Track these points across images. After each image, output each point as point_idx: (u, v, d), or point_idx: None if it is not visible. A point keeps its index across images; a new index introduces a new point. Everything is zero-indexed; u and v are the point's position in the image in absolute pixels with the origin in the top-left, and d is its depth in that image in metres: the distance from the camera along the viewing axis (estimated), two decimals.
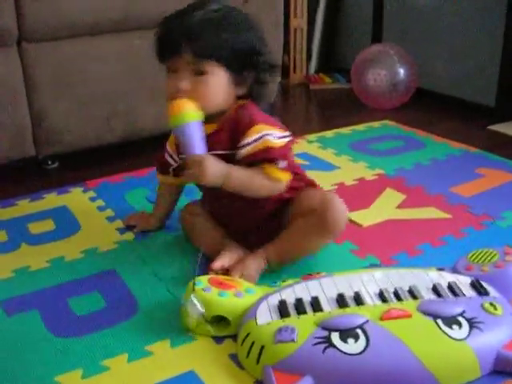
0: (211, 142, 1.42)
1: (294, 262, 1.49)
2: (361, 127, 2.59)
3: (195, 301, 1.25)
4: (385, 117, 2.73)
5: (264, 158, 1.41)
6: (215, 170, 1.38)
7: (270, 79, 1.49)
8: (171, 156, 1.62)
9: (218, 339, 1.27)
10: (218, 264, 1.45)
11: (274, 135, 1.41)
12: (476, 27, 2.75)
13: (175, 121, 1.39)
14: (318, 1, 3.44)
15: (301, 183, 1.56)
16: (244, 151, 1.41)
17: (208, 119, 1.42)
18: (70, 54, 2.08)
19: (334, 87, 3.24)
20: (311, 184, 1.59)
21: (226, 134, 1.45)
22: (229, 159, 1.42)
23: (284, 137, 1.44)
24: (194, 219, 1.62)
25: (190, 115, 1.38)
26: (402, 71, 2.80)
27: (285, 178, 1.45)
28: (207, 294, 1.26)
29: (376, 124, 2.65)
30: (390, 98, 2.82)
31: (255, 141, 1.41)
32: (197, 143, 1.39)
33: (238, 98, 1.47)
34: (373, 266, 1.52)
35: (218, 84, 1.41)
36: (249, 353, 1.16)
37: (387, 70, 2.79)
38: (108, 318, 1.36)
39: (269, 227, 1.53)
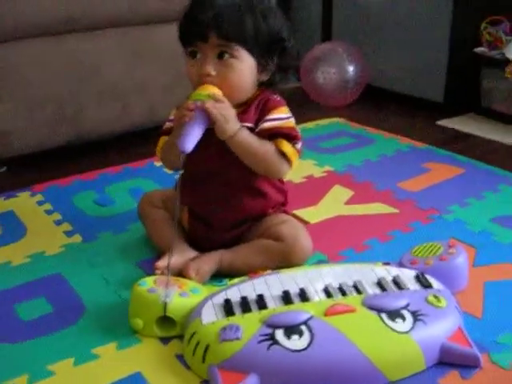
0: (241, 117, 1.41)
1: (243, 274, 1.45)
2: (311, 125, 2.60)
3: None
4: (335, 114, 2.74)
5: (286, 133, 1.42)
6: (234, 114, 1.38)
7: (293, 66, 1.50)
8: None
9: (165, 340, 1.26)
10: (161, 263, 1.44)
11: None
12: (424, 25, 2.77)
13: (201, 92, 1.36)
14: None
15: (282, 199, 1.57)
16: (269, 124, 1.42)
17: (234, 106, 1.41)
18: (12, 56, 2.05)
19: (283, 86, 3.23)
20: (285, 209, 1.59)
21: (253, 111, 1.44)
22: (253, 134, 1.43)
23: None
24: (153, 211, 1.61)
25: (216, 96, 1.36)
26: (351, 69, 2.81)
27: (294, 158, 1.44)
28: (152, 295, 1.25)
29: (326, 122, 2.66)
30: (340, 96, 2.83)
31: (281, 119, 1.43)
32: (194, 133, 1.33)
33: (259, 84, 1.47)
34: (320, 262, 1.52)
35: (245, 69, 1.40)
36: (194, 352, 1.16)
37: (336, 68, 2.79)
38: (55, 323, 1.34)
39: (235, 233, 1.53)
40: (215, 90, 1.37)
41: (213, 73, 1.37)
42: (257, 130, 1.43)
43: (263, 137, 1.43)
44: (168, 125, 1.52)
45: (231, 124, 1.38)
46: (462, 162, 2.18)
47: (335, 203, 1.86)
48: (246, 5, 1.39)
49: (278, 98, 1.48)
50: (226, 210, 1.50)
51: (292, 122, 1.46)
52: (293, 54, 1.49)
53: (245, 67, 1.40)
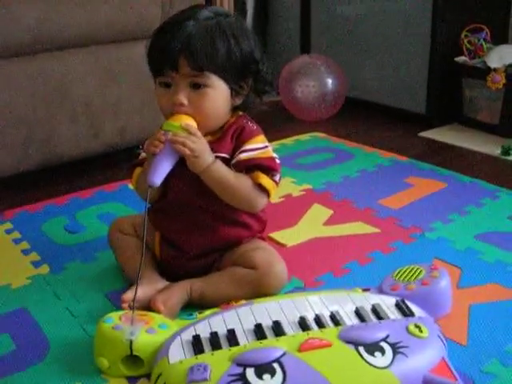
0: (215, 146, 1.37)
1: (215, 304, 1.35)
2: (289, 141, 2.54)
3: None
4: (315, 129, 2.69)
5: (264, 164, 1.38)
6: (207, 147, 1.34)
7: (268, 88, 1.44)
8: None
9: (132, 380, 1.19)
10: (128, 295, 1.36)
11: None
12: (404, 35, 2.74)
13: (172, 123, 1.32)
14: (244, 14, 3.39)
15: (260, 228, 1.52)
16: (245, 155, 1.38)
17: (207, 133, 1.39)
18: None
19: (263, 100, 3.18)
20: (261, 234, 1.53)
21: (229, 140, 1.40)
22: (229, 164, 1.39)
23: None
24: (122, 239, 1.55)
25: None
26: (330, 81, 2.76)
27: (273, 191, 1.40)
28: (117, 333, 1.17)
29: (305, 137, 2.60)
30: (319, 110, 2.78)
31: (258, 149, 1.39)
32: (163, 167, 1.30)
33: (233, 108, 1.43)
34: (296, 289, 1.46)
35: (219, 96, 1.36)
36: None
37: (315, 81, 2.75)
38: (17, 362, 1.26)
39: (207, 261, 1.46)
40: (188, 120, 1.32)
41: (185, 102, 1.33)
42: (233, 162, 1.39)
43: (240, 169, 1.38)
44: (143, 155, 1.47)
45: (203, 158, 1.33)
46: (445, 175, 2.14)
47: (314, 224, 1.80)
48: (218, 29, 1.34)
49: (254, 127, 1.43)
50: (199, 237, 1.44)
51: (270, 151, 1.41)
52: (267, 78, 1.42)
53: (218, 94, 1.35)
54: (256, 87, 1.42)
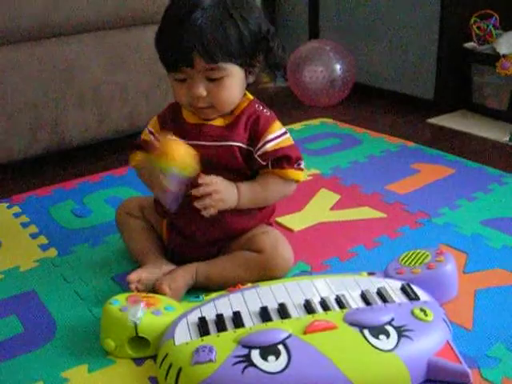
0: (228, 133, 1.38)
1: (221, 288, 1.36)
2: (298, 126, 2.54)
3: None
4: (323, 114, 2.68)
5: (290, 155, 1.39)
6: (230, 192, 1.37)
7: (281, 58, 1.42)
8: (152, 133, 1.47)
9: (138, 361, 1.20)
10: (133, 276, 1.37)
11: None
12: (412, 21, 2.72)
13: (169, 165, 1.27)
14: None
15: (269, 215, 1.54)
16: (270, 145, 1.38)
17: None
18: None
19: (271, 86, 3.19)
20: (268, 221, 1.54)
21: (243, 128, 1.39)
22: (248, 154, 1.39)
23: None
24: (130, 221, 1.55)
25: (188, 168, 1.27)
26: (338, 67, 2.75)
27: (301, 178, 1.44)
28: (123, 314, 1.18)
29: (313, 122, 2.60)
30: (327, 95, 2.77)
31: (280, 136, 1.39)
32: (176, 197, 1.31)
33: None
34: (303, 272, 1.46)
35: (234, 83, 1.35)
36: (167, 376, 1.09)
37: (323, 67, 2.74)
38: (25, 344, 1.28)
39: (215, 248, 1.47)
40: (190, 154, 1.28)
41: (204, 94, 1.32)
42: (259, 153, 1.38)
43: (266, 158, 1.38)
44: (146, 136, 1.47)
45: (230, 200, 1.37)
46: (453, 161, 2.13)
47: (321, 209, 1.80)
48: (226, 14, 1.30)
49: (268, 113, 1.42)
50: (206, 228, 1.43)
51: (290, 138, 1.42)
52: (279, 53, 1.40)
53: (235, 81, 1.35)
54: (269, 62, 1.40)
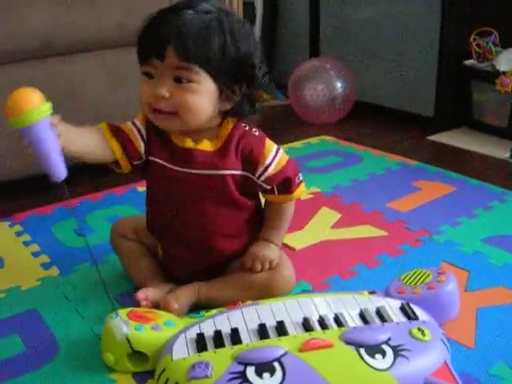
0: (218, 160, 1.32)
1: (221, 305, 1.36)
2: (298, 144, 2.54)
3: (119, 322, 1.19)
4: (323, 132, 2.69)
5: (290, 175, 1.39)
6: (273, 250, 1.43)
7: (260, 96, 1.41)
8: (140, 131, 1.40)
9: (140, 378, 1.20)
10: (141, 294, 1.38)
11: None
12: (412, 39, 2.73)
13: (21, 121, 1.11)
14: (253, 17, 3.40)
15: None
16: (271, 168, 1.35)
17: (196, 134, 1.33)
18: None
19: (273, 104, 3.21)
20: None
21: (233, 154, 1.32)
22: (244, 180, 1.35)
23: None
24: (124, 244, 1.54)
25: (39, 111, 1.12)
26: (339, 85, 2.76)
27: (304, 189, 1.46)
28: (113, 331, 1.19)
29: (313, 140, 2.60)
30: (328, 113, 2.78)
31: (275, 157, 1.36)
32: (51, 144, 1.15)
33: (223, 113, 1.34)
34: (304, 291, 1.46)
35: (203, 95, 1.25)
36: None
37: (324, 85, 2.75)
38: (27, 363, 1.27)
39: (211, 273, 1.45)
40: (36, 95, 1.16)
41: (167, 95, 1.24)
42: (262, 179, 1.36)
43: (271, 183, 1.37)
44: (125, 127, 1.41)
45: (276, 254, 1.43)
46: (453, 178, 2.13)
47: (322, 227, 1.81)
48: (216, 23, 1.23)
49: (257, 133, 1.36)
50: (202, 256, 1.42)
51: (283, 153, 1.39)
52: (263, 85, 1.36)
53: (204, 91, 1.25)
54: (250, 94, 1.33)
